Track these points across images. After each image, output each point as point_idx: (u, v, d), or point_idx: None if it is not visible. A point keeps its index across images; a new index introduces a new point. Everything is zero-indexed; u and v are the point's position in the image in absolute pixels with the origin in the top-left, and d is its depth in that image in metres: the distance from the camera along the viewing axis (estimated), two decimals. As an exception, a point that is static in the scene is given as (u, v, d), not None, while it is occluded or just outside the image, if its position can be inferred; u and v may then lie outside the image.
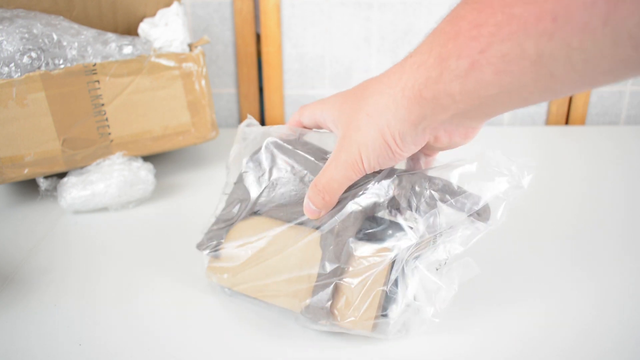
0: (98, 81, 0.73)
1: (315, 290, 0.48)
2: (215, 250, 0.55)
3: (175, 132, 0.78)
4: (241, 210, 0.54)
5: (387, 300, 0.47)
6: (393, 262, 0.47)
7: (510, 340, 0.50)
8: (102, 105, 0.74)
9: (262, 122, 1.01)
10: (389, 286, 0.47)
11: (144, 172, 0.74)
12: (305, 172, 0.51)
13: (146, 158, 0.81)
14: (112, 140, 0.75)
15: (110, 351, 0.51)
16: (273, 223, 0.52)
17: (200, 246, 0.56)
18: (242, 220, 0.54)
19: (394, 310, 0.47)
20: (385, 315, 0.47)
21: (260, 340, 0.51)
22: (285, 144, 0.53)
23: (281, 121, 1.00)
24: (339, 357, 0.48)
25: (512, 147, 0.90)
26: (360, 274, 0.47)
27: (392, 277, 0.46)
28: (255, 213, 0.54)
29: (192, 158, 0.87)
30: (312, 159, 0.51)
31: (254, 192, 0.54)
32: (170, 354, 0.50)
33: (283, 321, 0.52)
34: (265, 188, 0.54)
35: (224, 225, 0.55)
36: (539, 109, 0.99)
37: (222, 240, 0.55)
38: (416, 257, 0.47)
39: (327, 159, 0.49)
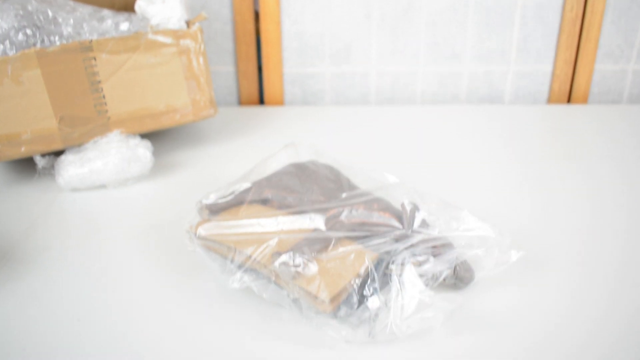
0: (94, 58, 0.73)
1: (299, 243, 0.50)
2: (215, 211, 0.57)
3: (173, 110, 0.78)
4: (252, 194, 0.58)
5: (360, 291, 0.48)
6: (378, 260, 0.50)
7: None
8: (99, 82, 0.74)
9: (261, 101, 1.01)
10: (364, 279, 0.49)
11: (142, 149, 0.74)
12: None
13: (144, 136, 0.81)
14: (109, 118, 0.75)
15: (109, 326, 0.51)
16: (276, 211, 0.55)
17: (204, 202, 0.59)
18: (249, 204, 0.57)
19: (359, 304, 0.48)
20: (351, 305, 0.48)
21: (257, 315, 0.52)
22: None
23: (280, 100, 1.00)
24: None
25: (513, 126, 0.90)
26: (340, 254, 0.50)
27: (373, 273, 0.49)
28: (263, 202, 0.57)
29: (190, 136, 0.87)
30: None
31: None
32: (168, 330, 0.51)
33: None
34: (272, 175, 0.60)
35: (234, 202, 0.58)
36: (541, 87, 0.99)
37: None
38: (403, 263, 0.49)
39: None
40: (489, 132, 0.88)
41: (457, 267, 0.52)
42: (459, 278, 0.52)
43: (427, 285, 0.50)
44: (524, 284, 0.55)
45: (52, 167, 0.75)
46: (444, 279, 0.51)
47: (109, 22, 0.76)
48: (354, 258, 0.50)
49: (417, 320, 0.47)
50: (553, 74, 0.98)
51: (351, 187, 0.59)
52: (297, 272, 0.49)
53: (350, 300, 0.48)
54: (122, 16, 0.77)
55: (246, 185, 0.59)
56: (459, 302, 0.48)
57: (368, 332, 0.47)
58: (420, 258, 0.50)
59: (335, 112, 0.96)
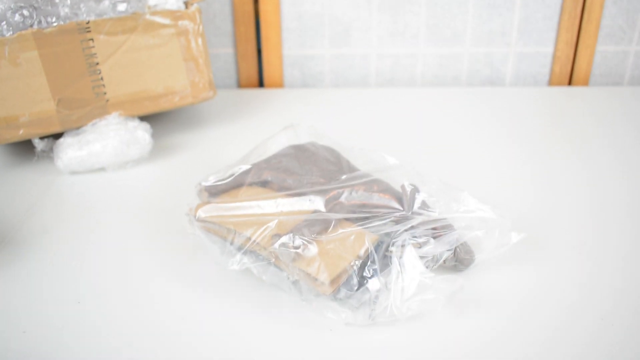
0: (92, 39, 0.72)
1: (299, 225, 0.50)
2: (215, 194, 0.57)
3: (172, 92, 0.77)
4: (252, 176, 0.58)
5: (360, 273, 0.48)
6: (379, 242, 0.50)
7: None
8: (97, 64, 0.73)
9: (260, 83, 1.00)
10: (364, 260, 0.49)
11: (141, 132, 0.74)
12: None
13: (143, 118, 0.80)
14: (107, 100, 0.75)
15: (109, 309, 0.51)
16: (276, 193, 0.55)
17: (203, 183, 0.58)
18: (249, 186, 0.57)
19: (359, 286, 0.48)
20: (351, 287, 0.47)
21: (256, 296, 0.51)
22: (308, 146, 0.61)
23: (279, 82, 0.99)
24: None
25: (514, 109, 0.89)
26: (340, 236, 0.50)
27: (373, 255, 0.49)
28: (263, 184, 0.57)
29: (189, 118, 0.86)
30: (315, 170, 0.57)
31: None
32: (167, 312, 0.51)
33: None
34: (271, 157, 0.60)
35: (233, 184, 0.58)
36: (542, 69, 0.98)
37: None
38: (404, 245, 0.49)
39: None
40: (490, 114, 0.87)
41: (458, 249, 0.51)
42: (459, 260, 0.52)
43: (427, 267, 0.49)
44: (524, 265, 0.54)
45: (51, 150, 0.74)
46: (445, 261, 0.51)
47: (106, 3, 0.75)
48: (354, 240, 0.50)
49: (418, 302, 0.47)
50: (554, 55, 0.97)
51: (351, 168, 0.59)
52: (297, 254, 0.48)
53: (350, 282, 0.48)
54: (119, -3, 0.76)
55: (245, 167, 0.59)
56: (459, 284, 0.48)
57: (368, 314, 0.47)
58: (421, 240, 0.50)
59: (334, 94, 0.95)
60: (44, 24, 0.71)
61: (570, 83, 1.00)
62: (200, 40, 0.77)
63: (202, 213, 0.54)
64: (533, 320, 0.49)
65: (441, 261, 0.50)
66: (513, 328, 0.48)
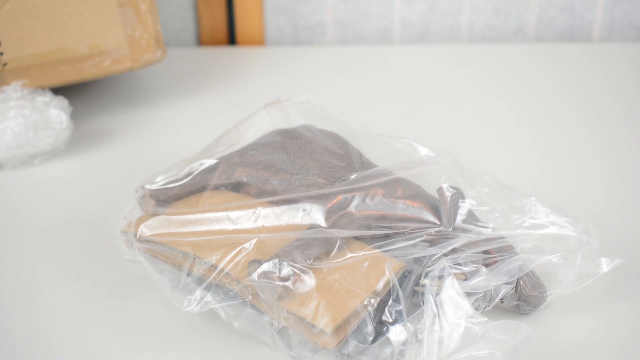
0: (-18, -26, 0.73)
1: (288, 246, 0.51)
2: (164, 201, 0.58)
3: (100, 52, 0.78)
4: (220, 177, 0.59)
5: (377, 317, 0.49)
6: (405, 272, 0.50)
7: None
8: (-11, 11, 0.74)
9: (232, 39, 1.01)
10: (383, 298, 0.49)
11: (55, 111, 0.74)
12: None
13: (58, 90, 0.80)
14: (5, 64, 0.75)
15: None
16: (254, 200, 0.56)
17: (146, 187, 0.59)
18: (214, 190, 0.58)
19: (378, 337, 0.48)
20: (364, 338, 0.48)
21: (224, 352, 0.52)
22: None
23: (259, 38, 1.00)
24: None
25: (606, 74, 0.89)
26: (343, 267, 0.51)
27: (397, 290, 0.49)
28: (236, 187, 0.58)
29: (127, 91, 0.87)
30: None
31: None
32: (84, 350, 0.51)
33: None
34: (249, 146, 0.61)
35: (192, 187, 0.59)
36: (647, 17, 0.99)
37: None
38: (442, 275, 0.50)
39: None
40: (570, 82, 0.87)
41: (522, 282, 0.52)
42: (523, 298, 0.52)
43: (477, 308, 0.50)
44: (620, 306, 0.55)
45: None
46: (502, 300, 0.51)
47: None
48: (368, 268, 0.50)
49: (464, 359, 0.47)
50: (664, -4, 0.98)
51: (364, 163, 0.60)
52: (285, 289, 0.49)
53: (363, 331, 0.48)
54: None
55: (210, 162, 0.59)
56: (524, 334, 0.48)
57: None
58: (467, 268, 0.50)
59: (340, 55, 0.96)
60: None
61: (688, 37, 1.00)
62: (142, -24, 0.78)
63: (146, 230, 0.55)
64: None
65: (497, 299, 0.51)
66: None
